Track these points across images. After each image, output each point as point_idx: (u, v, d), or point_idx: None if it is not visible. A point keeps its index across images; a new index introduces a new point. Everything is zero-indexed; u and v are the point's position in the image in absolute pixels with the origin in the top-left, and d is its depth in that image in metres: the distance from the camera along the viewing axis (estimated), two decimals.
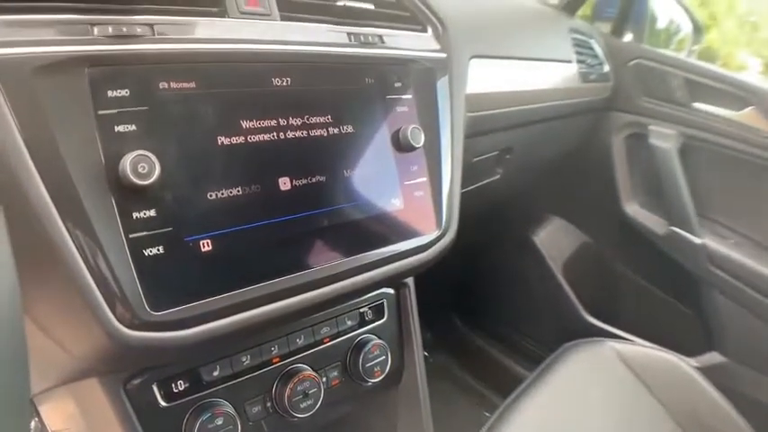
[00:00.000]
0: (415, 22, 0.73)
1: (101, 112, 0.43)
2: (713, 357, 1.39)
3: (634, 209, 1.44)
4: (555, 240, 1.57)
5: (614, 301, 1.55)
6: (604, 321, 1.48)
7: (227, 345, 0.57)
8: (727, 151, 1.34)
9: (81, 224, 0.42)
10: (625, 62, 1.45)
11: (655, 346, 1.16)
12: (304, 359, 0.65)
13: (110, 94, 0.44)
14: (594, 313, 1.51)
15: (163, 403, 0.55)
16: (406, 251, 0.64)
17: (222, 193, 0.49)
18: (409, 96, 0.65)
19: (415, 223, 0.65)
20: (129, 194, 0.44)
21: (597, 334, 1.33)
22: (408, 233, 0.64)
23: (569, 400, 1.00)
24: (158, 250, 0.45)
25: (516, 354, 1.55)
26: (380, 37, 0.66)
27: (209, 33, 0.51)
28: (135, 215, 0.44)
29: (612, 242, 1.57)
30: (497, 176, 1.14)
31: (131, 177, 0.42)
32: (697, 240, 1.34)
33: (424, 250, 0.66)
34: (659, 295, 1.50)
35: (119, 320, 0.43)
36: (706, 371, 1.22)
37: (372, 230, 0.61)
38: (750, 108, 1.31)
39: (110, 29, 0.45)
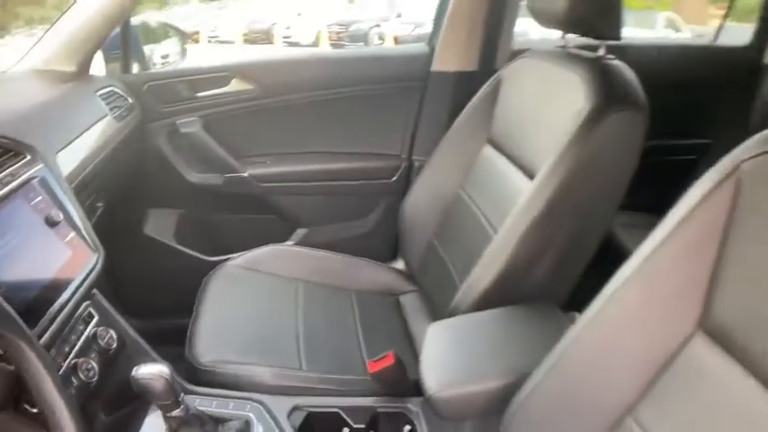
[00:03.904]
0: (20, 153, 1.11)
1: None
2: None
3: (198, 177, 1.96)
4: (164, 223, 1.99)
5: (229, 242, 2.01)
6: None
7: None
8: (242, 111, 1.93)
9: None
10: (141, 87, 1.85)
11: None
12: None
13: None
14: (221, 252, 1.94)
15: None
16: (85, 276, 1.10)
17: None
18: (42, 197, 1.07)
19: (81, 260, 1.12)
20: None
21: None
22: (83, 265, 1.11)
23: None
24: None
25: None
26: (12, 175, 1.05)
27: None
28: None
29: (206, 205, 2.04)
30: (101, 210, 1.54)
31: None
32: (245, 174, 1.95)
33: (94, 269, 1.13)
34: (259, 219, 2.08)
35: None
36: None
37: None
38: (234, 79, 1.92)
39: None
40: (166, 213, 2.02)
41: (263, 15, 16.77)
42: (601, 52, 1.36)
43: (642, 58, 2.34)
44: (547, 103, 1.39)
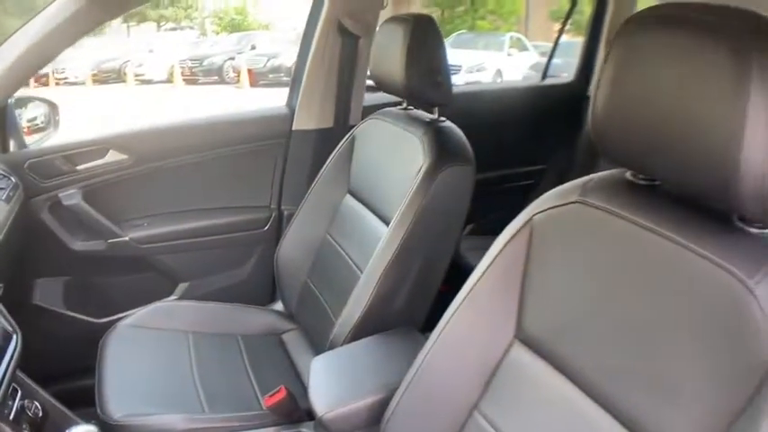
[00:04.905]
0: None
1: None
2: None
3: (82, 245, 2.03)
4: (52, 291, 2.02)
5: (117, 302, 2.08)
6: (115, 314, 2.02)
7: None
8: (120, 179, 2.04)
9: None
10: (22, 165, 1.89)
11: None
12: None
13: None
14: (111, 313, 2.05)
15: None
16: (11, 358, 1.19)
17: None
18: None
19: (4, 343, 1.20)
20: None
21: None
22: (7, 348, 1.20)
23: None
24: None
25: None
26: None
27: None
28: None
29: (91, 270, 2.10)
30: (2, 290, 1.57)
31: None
32: (126, 238, 2.05)
33: (17, 350, 1.21)
34: (142, 278, 2.17)
35: None
36: None
37: None
38: (110, 151, 2.01)
39: None
40: (53, 282, 2.07)
41: (113, 54, 16.37)
42: (435, 115, 1.66)
43: (485, 102, 2.74)
44: (392, 159, 1.68)
